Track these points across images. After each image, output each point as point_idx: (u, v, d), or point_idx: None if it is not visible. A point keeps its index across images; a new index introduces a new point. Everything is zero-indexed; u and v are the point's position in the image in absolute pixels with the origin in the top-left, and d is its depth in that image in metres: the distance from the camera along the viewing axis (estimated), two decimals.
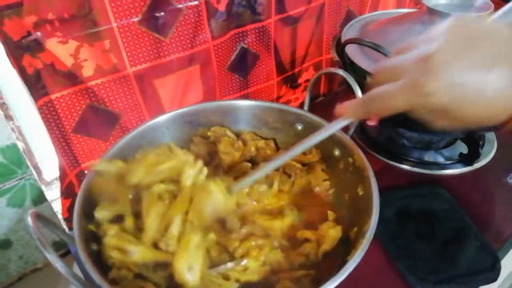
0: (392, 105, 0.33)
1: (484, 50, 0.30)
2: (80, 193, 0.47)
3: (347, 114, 0.38)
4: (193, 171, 0.46)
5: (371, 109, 0.35)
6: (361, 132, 0.79)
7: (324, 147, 0.58)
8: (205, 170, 0.46)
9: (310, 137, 0.42)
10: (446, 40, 0.31)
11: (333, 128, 0.41)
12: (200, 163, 0.47)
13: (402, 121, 0.70)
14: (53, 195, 0.63)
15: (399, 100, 0.32)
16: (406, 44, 0.34)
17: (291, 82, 0.88)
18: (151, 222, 0.44)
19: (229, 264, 0.45)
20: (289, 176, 0.59)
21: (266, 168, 0.45)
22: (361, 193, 0.49)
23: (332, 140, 0.56)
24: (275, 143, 0.63)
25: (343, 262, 0.40)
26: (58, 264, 0.37)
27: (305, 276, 0.47)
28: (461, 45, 0.30)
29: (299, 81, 0.90)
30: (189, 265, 0.41)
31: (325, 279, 0.38)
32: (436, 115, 0.32)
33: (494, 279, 0.55)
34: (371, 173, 0.48)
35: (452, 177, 0.71)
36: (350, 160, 0.53)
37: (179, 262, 0.41)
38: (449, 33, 0.31)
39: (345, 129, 0.56)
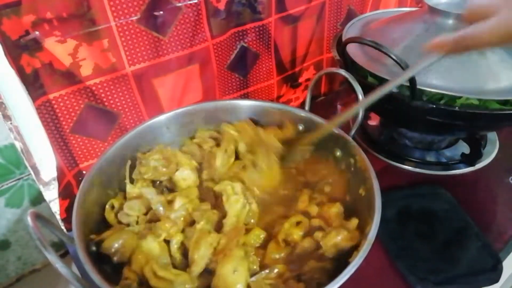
0: (485, 42, 0.37)
1: None
2: (79, 194, 0.47)
3: (439, 50, 0.42)
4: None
5: (464, 47, 0.39)
6: (363, 132, 0.79)
7: (325, 147, 0.57)
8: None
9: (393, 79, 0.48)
10: None
11: (424, 63, 0.44)
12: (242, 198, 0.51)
13: (404, 121, 0.70)
14: (51, 195, 0.63)
15: (493, 38, 0.36)
16: None
17: (292, 81, 0.87)
18: (203, 254, 0.45)
19: (264, 272, 0.46)
20: None
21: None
22: (363, 194, 0.49)
23: (333, 141, 0.56)
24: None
25: (345, 264, 0.40)
26: (58, 264, 0.37)
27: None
28: None
29: (300, 80, 0.89)
30: (234, 268, 0.43)
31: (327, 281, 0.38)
32: None
33: (496, 280, 0.54)
34: (373, 175, 0.48)
35: (454, 177, 0.71)
36: (352, 160, 0.53)
37: (224, 267, 0.43)
38: None
39: (347, 129, 0.56)
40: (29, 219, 0.38)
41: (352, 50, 0.68)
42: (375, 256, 0.57)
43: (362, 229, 0.45)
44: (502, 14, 0.35)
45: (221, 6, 0.65)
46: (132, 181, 0.54)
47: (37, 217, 0.40)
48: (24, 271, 0.68)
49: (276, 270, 0.45)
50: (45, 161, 0.60)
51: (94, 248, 0.46)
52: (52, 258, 0.37)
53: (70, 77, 0.56)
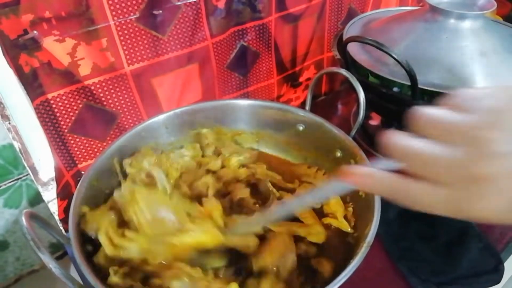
0: (425, 209, 0.26)
1: None
2: (76, 194, 0.47)
3: (358, 185, 0.30)
4: None
5: (393, 198, 0.28)
6: (363, 132, 0.78)
7: (326, 148, 0.57)
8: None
9: (309, 193, 0.40)
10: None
11: (334, 190, 0.36)
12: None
13: (405, 121, 0.70)
14: (50, 196, 0.62)
15: (435, 209, 0.26)
16: (465, 96, 0.26)
17: (292, 80, 0.87)
18: None
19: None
20: None
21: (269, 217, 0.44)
22: (363, 195, 0.49)
23: (333, 141, 0.55)
24: None
25: (344, 266, 0.40)
26: (52, 264, 0.37)
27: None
28: None
29: (300, 79, 0.89)
30: None
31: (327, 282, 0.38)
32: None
33: (497, 281, 0.54)
34: None
35: None
36: (352, 162, 0.52)
37: None
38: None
39: (347, 129, 0.55)
40: (23, 219, 0.38)
41: (353, 49, 0.67)
42: (376, 257, 0.57)
43: (361, 231, 0.45)
44: (456, 187, 0.24)
45: (221, 4, 0.64)
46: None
47: (32, 217, 0.39)
48: (23, 272, 0.68)
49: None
50: (44, 161, 0.60)
51: (90, 249, 0.45)
52: (46, 258, 0.37)
53: (68, 76, 0.56)
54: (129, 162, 0.53)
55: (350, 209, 0.51)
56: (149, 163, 0.53)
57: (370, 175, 0.29)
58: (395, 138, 0.26)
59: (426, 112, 0.26)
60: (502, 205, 0.24)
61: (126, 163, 0.53)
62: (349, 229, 0.50)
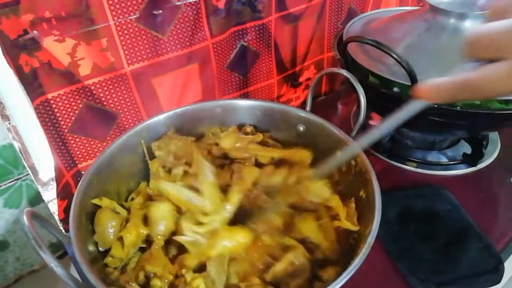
0: (495, 91, 0.28)
1: None
2: (76, 194, 0.46)
3: (430, 98, 0.32)
4: None
5: (465, 95, 0.30)
6: (364, 132, 0.78)
7: (326, 148, 0.57)
8: None
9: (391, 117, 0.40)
10: None
11: (411, 110, 0.36)
12: None
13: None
14: (50, 195, 0.62)
15: (506, 86, 0.27)
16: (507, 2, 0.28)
17: (292, 80, 0.87)
18: None
19: None
20: None
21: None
22: (363, 196, 0.49)
23: (334, 142, 0.55)
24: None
25: (345, 266, 0.40)
26: (53, 263, 0.37)
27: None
28: None
29: (300, 79, 0.89)
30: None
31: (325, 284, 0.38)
32: None
33: (497, 281, 0.54)
34: (373, 177, 0.47)
35: (456, 177, 0.71)
36: (353, 162, 0.52)
37: None
38: None
39: (348, 130, 0.55)
40: (25, 218, 0.38)
41: (353, 49, 0.67)
42: (377, 257, 0.57)
43: (362, 232, 0.45)
44: None
45: (221, 4, 0.64)
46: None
47: (33, 216, 0.39)
48: (23, 272, 0.68)
49: None
50: (44, 161, 0.60)
51: (91, 248, 0.46)
52: (47, 257, 0.37)
53: (68, 76, 0.56)
54: (157, 144, 0.56)
55: (352, 204, 0.50)
56: (176, 146, 0.55)
57: (438, 85, 0.31)
58: (474, 33, 0.28)
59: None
60: None
61: (155, 145, 0.56)
62: (356, 227, 0.48)
